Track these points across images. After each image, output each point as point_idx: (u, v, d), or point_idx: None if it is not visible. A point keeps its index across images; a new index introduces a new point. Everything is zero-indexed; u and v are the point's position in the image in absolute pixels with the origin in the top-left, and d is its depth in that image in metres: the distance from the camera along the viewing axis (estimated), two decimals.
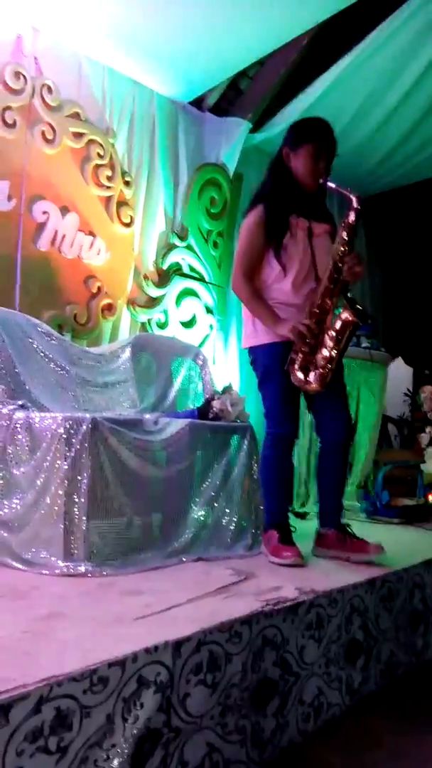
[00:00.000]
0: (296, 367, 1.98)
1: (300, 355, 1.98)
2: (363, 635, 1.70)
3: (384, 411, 4.12)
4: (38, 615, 1.31)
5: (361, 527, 2.21)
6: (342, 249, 1.99)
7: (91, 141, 2.83)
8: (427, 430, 3.24)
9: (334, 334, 1.97)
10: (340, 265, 1.99)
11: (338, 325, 1.96)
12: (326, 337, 1.97)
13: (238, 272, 2.08)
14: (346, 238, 2.00)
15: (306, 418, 2.44)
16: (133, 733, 1.05)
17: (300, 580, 1.67)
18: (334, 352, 1.96)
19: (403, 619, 1.89)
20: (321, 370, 1.96)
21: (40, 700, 0.93)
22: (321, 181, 2.05)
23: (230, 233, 3.58)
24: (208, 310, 3.42)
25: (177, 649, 1.16)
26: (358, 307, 1.96)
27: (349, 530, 2.06)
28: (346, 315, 1.95)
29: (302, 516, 3.05)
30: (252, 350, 2.14)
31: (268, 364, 2.06)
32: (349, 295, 2.01)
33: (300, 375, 1.98)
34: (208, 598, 1.49)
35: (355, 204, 2.00)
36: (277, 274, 2.05)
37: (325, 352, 1.96)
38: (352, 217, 2.00)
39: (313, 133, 2.06)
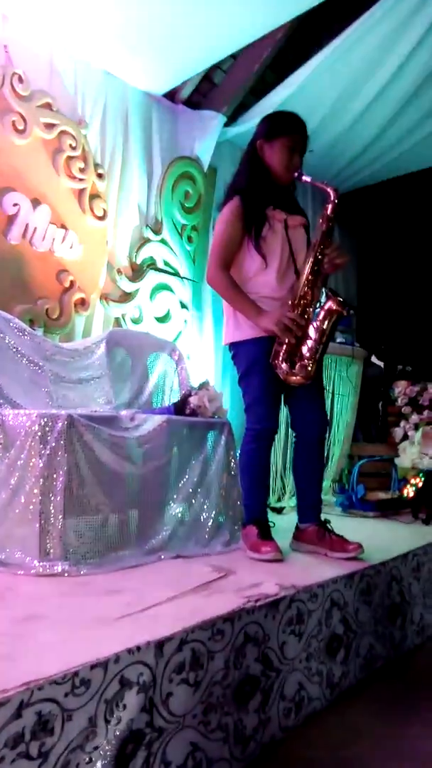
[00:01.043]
0: (281, 359, 1.97)
1: (284, 347, 1.97)
2: (343, 629, 1.71)
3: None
4: (15, 617, 1.28)
5: (337, 521, 2.22)
6: (322, 241, 1.99)
7: (62, 132, 2.76)
8: (402, 424, 3.28)
9: (318, 324, 1.97)
10: (320, 257, 1.99)
11: (322, 315, 1.97)
12: (310, 328, 1.97)
13: (213, 264, 2.06)
14: (325, 230, 2.00)
15: (282, 411, 2.44)
16: (116, 734, 1.03)
17: (280, 576, 1.67)
18: (318, 344, 1.96)
19: (381, 612, 1.91)
20: (306, 362, 1.96)
21: (20, 704, 0.90)
22: (296, 174, 2.05)
23: (205, 227, 3.56)
24: (183, 305, 3.39)
25: (159, 649, 1.14)
26: (340, 298, 1.97)
27: (329, 527, 2.06)
28: (330, 304, 1.96)
29: (279, 511, 3.06)
30: (233, 345, 2.12)
31: (251, 359, 2.05)
32: (329, 286, 2.02)
33: (285, 367, 1.97)
34: (188, 596, 1.47)
35: (332, 197, 2.01)
36: (259, 266, 2.04)
37: (310, 344, 1.96)
38: (330, 209, 2.00)
39: (289, 126, 2.05)
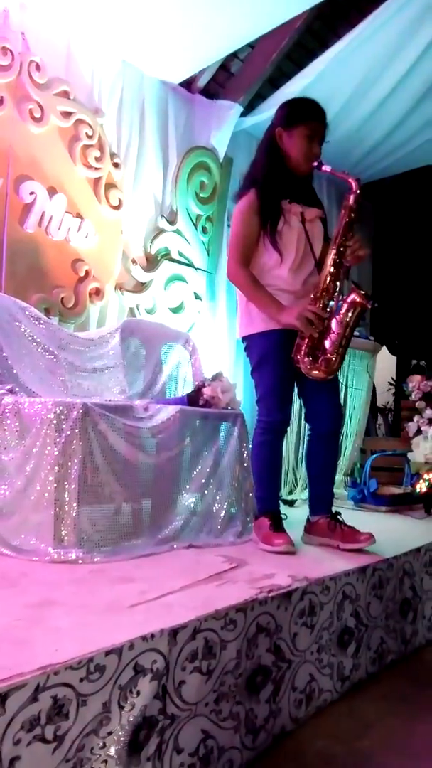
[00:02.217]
0: (303, 353, 1.95)
1: (306, 341, 1.95)
2: (354, 622, 1.71)
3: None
4: (30, 602, 1.29)
5: (349, 515, 2.22)
6: (344, 233, 1.97)
7: (79, 121, 2.76)
8: (415, 419, 3.25)
9: (341, 317, 1.93)
10: (342, 249, 1.96)
11: (345, 308, 1.93)
12: (333, 321, 1.94)
13: (234, 260, 2.03)
14: (348, 222, 1.97)
15: (295, 404, 2.43)
16: (130, 720, 1.04)
17: (292, 568, 1.66)
18: (341, 337, 1.93)
19: (392, 607, 1.90)
20: (329, 356, 1.93)
21: (37, 688, 0.91)
22: (316, 164, 2.01)
23: (220, 218, 3.55)
24: (197, 296, 3.39)
25: (173, 637, 1.15)
26: (363, 291, 1.94)
27: (340, 518, 2.06)
28: (353, 297, 1.92)
29: (291, 503, 3.06)
30: (246, 338, 2.11)
31: (263, 351, 2.04)
32: (353, 279, 1.99)
33: (307, 361, 1.94)
34: (201, 586, 1.48)
35: (353, 187, 1.97)
36: (275, 260, 2.02)
37: (333, 337, 1.93)
38: (352, 200, 1.97)
39: (309, 113, 2.01)
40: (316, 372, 1.95)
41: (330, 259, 1.96)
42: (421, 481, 3.09)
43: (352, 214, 1.98)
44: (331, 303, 1.96)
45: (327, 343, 1.94)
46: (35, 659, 0.96)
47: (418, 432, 3.21)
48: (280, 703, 1.41)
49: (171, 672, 1.14)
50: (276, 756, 1.34)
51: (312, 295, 1.97)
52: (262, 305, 2.00)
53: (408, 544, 2.11)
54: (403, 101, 3.45)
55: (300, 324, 1.91)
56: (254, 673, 1.34)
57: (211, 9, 2.72)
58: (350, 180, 1.97)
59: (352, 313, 1.94)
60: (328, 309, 1.95)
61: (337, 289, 1.97)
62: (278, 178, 2.03)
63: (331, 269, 1.96)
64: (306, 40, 3.44)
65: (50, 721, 0.93)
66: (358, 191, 1.98)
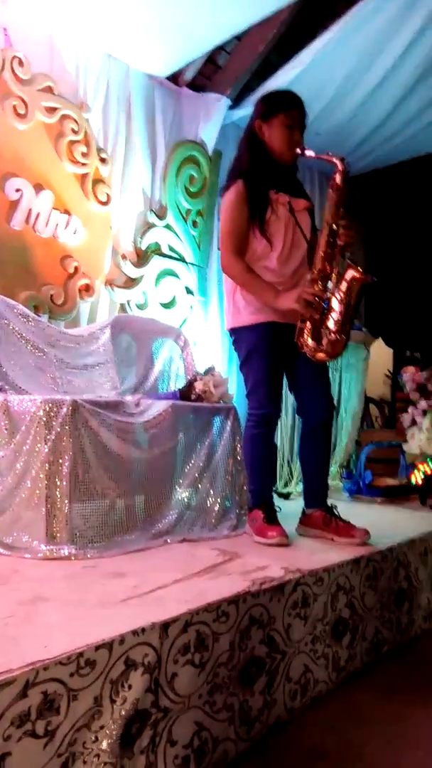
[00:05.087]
0: (305, 336, 1.91)
1: (308, 323, 1.91)
2: (349, 613, 1.71)
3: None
4: (22, 599, 1.29)
5: (344, 506, 2.22)
6: (334, 212, 1.94)
7: (64, 116, 2.74)
8: (410, 410, 3.25)
9: (341, 296, 1.88)
10: (335, 228, 1.93)
11: (344, 286, 1.88)
12: (333, 300, 1.89)
13: (227, 251, 2.02)
14: (337, 201, 1.95)
15: (289, 398, 2.43)
16: (122, 714, 1.03)
17: (286, 560, 1.66)
18: (344, 315, 1.88)
19: (387, 597, 1.91)
20: (333, 336, 1.88)
21: (26, 684, 0.91)
22: (299, 150, 1.99)
23: (210, 212, 3.53)
24: (188, 291, 3.38)
25: (164, 630, 1.14)
26: (360, 266, 1.90)
27: (336, 512, 2.05)
28: (352, 273, 1.87)
29: (286, 496, 3.06)
30: (234, 331, 2.10)
31: (251, 344, 2.03)
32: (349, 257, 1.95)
33: (311, 344, 1.90)
34: (194, 579, 1.48)
35: (339, 166, 1.94)
36: (263, 249, 2.01)
37: (335, 316, 1.88)
38: (339, 179, 1.95)
39: (285, 103, 2.01)
40: (322, 354, 1.91)
41: (323, 239, 1.94)
42: (416, 471, 3.10)
43: (341, 193, 1.95)
44: (329, 283, 1.93)
45: (330, 323, 1.89)
46: (25, 655, 0.96)
47: (413, 423, 3.21)
48: (275, 694, 1.41)
49: (163, 665, 1.13)
50: (271, 747, 1.34)
51: (308, 277, 1.95)
52: (258, 293, 1.99)
53: (403, 534, 2.12)
54: (392, 92, 3.43)
55: (300, 307, 1.88)
56: (248, 665, 1.34)
57: (197, 1, 2.70)
58: (334, 160, 1.95)
59: (352, 291, 1.88)
60: (326, 289, 1.92)
61: (334, 269, 1.94)
62: (263, 169, 2.02)
63: (326, 249, 1.93)
64: (293, 31, 3.41)
65: (41, 717, 0.92)
66: (344, 169, 1.94)
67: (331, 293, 1.91)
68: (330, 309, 1.90)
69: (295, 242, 2.04)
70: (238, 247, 2.01)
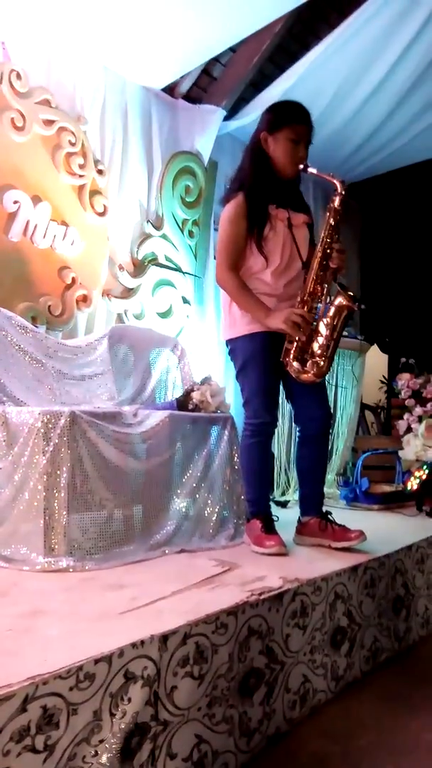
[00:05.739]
0: (291, 357, 1.95)
1: (294, 345, 1.95)
2: (347, 622, 1.71)
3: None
4: (20, 612, 1.29)
5: (341, 514, 2.23)
6: (330, 235, 1.97)
7: (62, 128, 2.76)
8: (405, 417, 3.27)
9: (328, 320, 1.93)
10: (328, 251, 1.96)
11: (332, 311, 1.92)
12: (321, 324, 1.94)
13: (222, 264, 2.03)
14: (333, 224, 1.97)
15: (286, 406, 2.44)
16: (121, 727, 1.04)
17: (284, 569, 1.67)
18: (329, 340, 1.93)
19: (385, 605, 1.91)
20: (317, 359, 1.93)
21: (25, 699, 0.91)
22: (302, 166, 2.00)
23: (206, 222, 3.55)
24: (185, 301, 3.39)
25: (163, 643, 1.15)
26: (350, 293, 1.94)
27: (330, 518, 2.06)
28: (340, 300, 1.92)
29: (283, 505, 3.06)
30: (230, 341, 2.12)
31: (247, 354, 2.04)
32: (340, 281, 1.99)
33: (296, 365, 1.95)
34: (192, 590, 1.48)
35: (338, 189, 1.97)
36: (260, 265, 2.02)
37: (321, 340, 1.93)
38: (337, 202, 1.97)
39: (294, 116, 2.00)
40: (305, 376, 1.96)
41: (316, 261, 1.97)
42: (413, 478, 3.11)
43: (338, 216, 1.98)
44: (319, 306, 1.97)
45: (315, 346, 1.94)
46: (24, 670, 0.96)
47: (408, 430, 3.22)
48: (274, 705, 1.41)
49: (162, 678, 1.14)
50: (271, 758, 1.34)
51: (299, 298, 1.98)
52: (250, 310, 2.01)
53: (400, 541, 2.12)
54: (385, 101, 3.47)
55: (287, 328, 1.92)
56: (247, 676, 1.35)
57: (192, 14, 2.73)
58: (335, 181, 1.97)
59: (340, 316, 1.94)
60: (315, 312, 1.95)
61: (324, 292, 1.97)
62: (265, 183, 2.03)
63: (318, 272, 1.96)
64: (287, 43, 3.45)
65: (40, 731, 0.93)
66: (343, 192, 1.98)
67: (319, 317, 1.94)
68: (317, 332, 1.94)
69: (292, 258, 2.05)
70: (234, 261, 2.03)
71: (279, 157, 2.01)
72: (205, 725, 1.21)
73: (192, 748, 1.18)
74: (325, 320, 1.94)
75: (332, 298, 1.96)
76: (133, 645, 1.09)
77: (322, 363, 1.94)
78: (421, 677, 1.83)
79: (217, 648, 1.27)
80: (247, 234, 2.02)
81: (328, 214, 1.99)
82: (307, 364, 1.95)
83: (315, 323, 1.95)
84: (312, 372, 1.95)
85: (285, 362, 1.97)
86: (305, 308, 1.94)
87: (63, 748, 0.96)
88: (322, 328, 1.94)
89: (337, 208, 1.98)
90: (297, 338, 1.94)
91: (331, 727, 1.48)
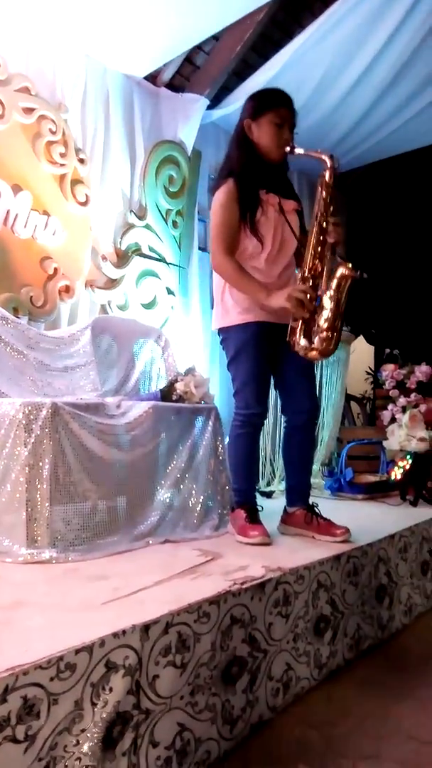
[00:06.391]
0: (298, 335, 1.91)
1: (300, 322, 1.91)
2: (330, 610, 1.72)
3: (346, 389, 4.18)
4: (2, 604, 1.28)
5: (326, 504, 2.24)
6: (324, 210, 1.94)
7: (42, 116, 2.72)
8: (389, 407, 3.29)
9: (332, 293, 1.88)
10: (324, 225, 1.93)
11: (335, 283, 1.88)
12: (324, 298, 1.89)
13: (218, 250, 2.00)
14: (326, 198, 1.95)
15: (272, 396, 2.43)
16: (103, 717, 1.04)
17: (267, 559, 1.67)
18: (335, 313, 1.88)
19: (368, 593, 1.93)
20: (325, 333, 1.88)
21: (5, 689, 0.90)
22: (288, 148, 1.98)
23: (190, 212, 3.53)
24: (169, 291, 3.38)
25: (145, 632, 1.15)
26: (350, 264, 1.91)
27: (317, 511, 2.07)
28: (342, 270, 1.87)
29: (268, 495, 3.07)
30: (222, 330, 2.10)
31: (239, 343, 2.03)
32: (339, 254, 1.95)
33: (304, 343, 1.90)
34: (175, 580, 1.48)
35: (328, 163, 1.95)
36: (253, 249, 2.01)
37: (327, 314, 1.88)
38: (328, 176, 1.95)
39: (274, 101, 1.99)
40: (314, 353, 1.91)
41: (313, 237, 1.93)
42: (396, 468, 3.13)
43: (330, 190, 1.95)
44: (320, 281, 1.93)
45: (321, 321, 1.88)
46: (5, 660, 0.96)
47: (393, 420, 3.24)
48: (257, 693, 1.42)
49: (144, 667, 1.14)
50: (254, 745, 1.35)
51: (299, 275, 1.95)
52: (250, 292, 1.98)
53: (383, 530, 2.14)
54: (369, 91, 3.46)
55: (291, 305, 1.88)
56: (230, 664, 1.35)
57: (175, 1, 2.70)
58: (323, 157, 1.95)
59: (343, 287, 1.88)
60: (317, 287, 1.92)
61: (324, 267, 1.93)
62: (254, 168, 2.01)
63: (316, 248, 1.93)
64: (270, 31, 3.43)
65: (21, 721, 0.92)
66: (334, 166, 1.94)
67: (321, 291, 1.91)
68: (321, 307, 1.89)
69: (284, 243, 2.04)
70: (230, 246, 2.01)
71: (264, 142, 2.00)
72: (188, 713, 1.22)
73: (174, 736, 1.18)
74: (329, 293, 1.88)
75: (333, 270, 1.90)
76: (115, 635, 1.09)
77: (330, 337, 1.88)
78: (404, 665, 1.85)
79: (200, 637, 1.27)
80: (240, 218, 2.00)
81: (319, 188, 1.95)
82: (315, 341, 1.90)
83: (318, 298, 1.92)
84: (320, 348, 1.89)
85: (291, 342, 1.92)
86: (306, 284, 1.91)
87: (44, 738, 0.95)
88: (327, 302, 1.88)
89: (329, 182, 1.95)
90: (301, 315, 1.90)
91: (314, 714, 1.50)
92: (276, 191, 2.05)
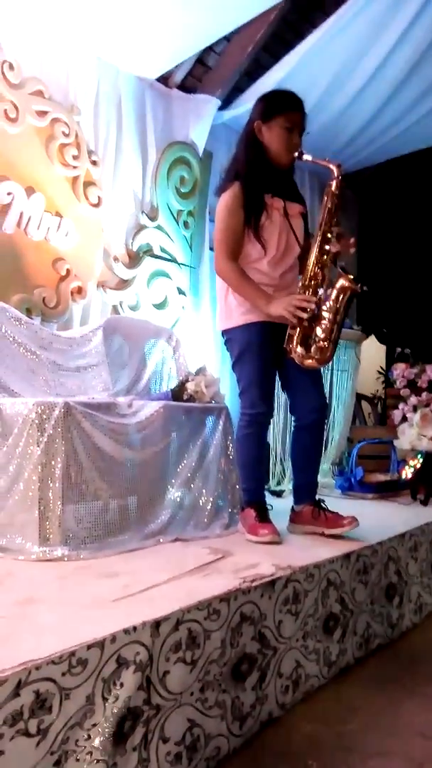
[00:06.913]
0: (295, 343, 1.94)
1: (297, 330, 1.93)
2: (339, 608, 1.73)
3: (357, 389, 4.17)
4: (15, 600, 1.30)
5: (336, 503, 2.24)
6: (328, 220, 1.96)
7: (55, 119, 2.75)
8: (400, 406, 3.28)
9: (331, 304, 1.91)
10: (328, 235, 1.95)
11: (334, 294, 1.90)
12: (323, 308, 1.92)
13: (221, 254, 2.02)
14: (331, 208, 1.96)
15: (281, 396, 2.45)
16: (114, 712, 1.06)
17: (277, 557, 1.69)
18: (333, 323, 1.91)
19: (378, 592, 1.93)
20: (322, 343, 1.91)
21: (18, 684, 0.92)
22: (296, 153, 1.99)
23: (201, 212, 3.55)
24: (180, 292, 3.40)
25: (156, 629, 1.16)
26: (351, 275, 1.93)
27: (323, 505, 2.08)
28: (342, 282, 1.89)
29: (278, 494, 3.08)
30: (226, 332, 2.12)
31: (243, 344, 2.04)
32: (340, 264, 1.97)
33: (300, 351, 1.93)
34: (186, 578, 1.50)
35: (335, 173, 1.96)
36: (257, 253, 2.02)
37: (325, 324, 1.91)
38: (334, 185, 1.96)
39: (286, 104, 1.99)
40: (310, 361, 1.94)
41: (315, 246, 1.95)
42: (407, 467, 3.13)
43: (336, 200, 1.96)
44: (320, 290, 1.94)
45: (319, 331, 1.91)
46: (18, 655, 0.98)
47: (404, 419, 3.23)
48: (267, 690, 1.43)
49: (155, 663, 1.16)
50: (263, 742, 1.37)
51: (300, 284, 1.97)
52: (250, 298, 2.00)
53: (393, 529, 2.14)
54: (381, 90, 3.46)
55: (289, 314, 1.90)
56: (239, 662, 1.36)
57: (186, 2, 2.71)
58: (331, 166, 1.96)
59: (342, 299, 1.91)
60: (317, 296, 1.94)
61: (325, 276, 1.95)
62: (260, 172, 2.02)
63: (318, 256, 1.95)
64: (282, 31, 3.44)
65: (33, 716, 0.94)
66: (340, 177, 1.96)
67: (321, 301, 1.93)
68: (320, 317, 1.92)
69: (288, 247, 2.05)
70: (233, 250, 2.02)
71: (273, 146, 2.00)
72: (198, 709, 1.23)
73: (185, 732, 1.20)
74: (327, 304, 1.91)
75: (333, 281, 1.93)
76: (126, 631, 1.11)
77: (326, 347, 1.91)
78: (413, 663, 1.86)
79: (210, 634, 1.29)
80: (245, 222, 2.01)
81: (325, 198, 1.97)
82: (312, 349, 1.93)
83: (317, 308, 1.93)
84: (316, 357, 1.92)
85: (288, 349, 1.94)
86: (307, 293, 1.93)
87: (56, 732, 0.97)
88: (325, 312, 1.91)
89: (335, 192, 1.96)
90: (300, 324, 1.92)
91: (324, 711, 1.51)
92: (281, 195, 2.05)
